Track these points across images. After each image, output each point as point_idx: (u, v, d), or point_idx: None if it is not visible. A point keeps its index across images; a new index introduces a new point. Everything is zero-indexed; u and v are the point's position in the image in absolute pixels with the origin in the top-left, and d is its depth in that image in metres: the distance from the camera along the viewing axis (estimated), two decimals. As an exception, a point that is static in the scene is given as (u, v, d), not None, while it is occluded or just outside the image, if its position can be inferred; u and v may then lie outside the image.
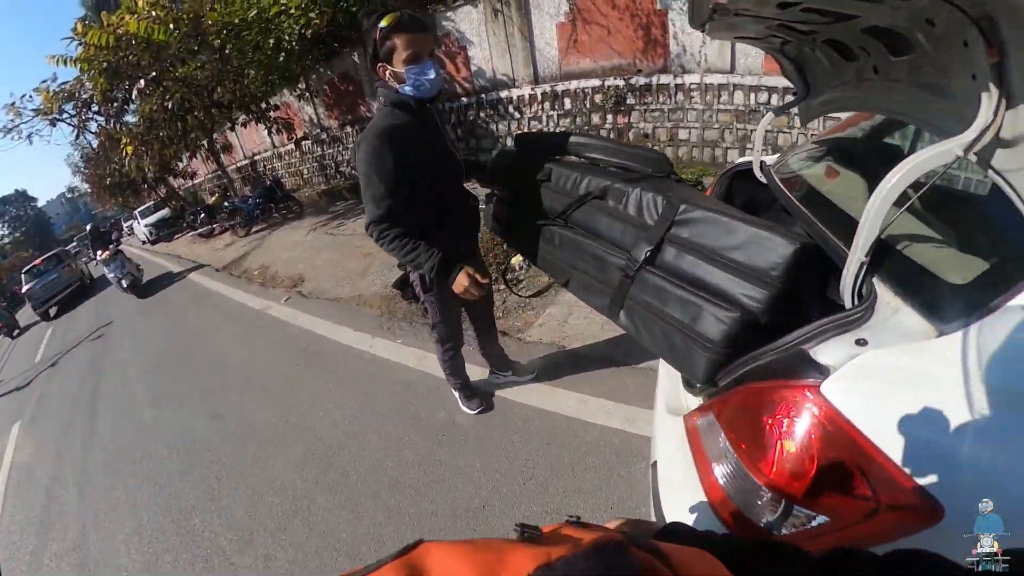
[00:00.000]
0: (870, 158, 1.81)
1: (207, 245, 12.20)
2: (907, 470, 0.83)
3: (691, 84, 5.32)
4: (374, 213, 1.79)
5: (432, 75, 1.72)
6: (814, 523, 0.93)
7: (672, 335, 1.33)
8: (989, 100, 0.83)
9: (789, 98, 5.15)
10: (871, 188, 1.52)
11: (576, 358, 2.94)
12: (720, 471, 1.10)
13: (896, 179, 0.92)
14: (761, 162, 1.95)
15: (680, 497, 1.23)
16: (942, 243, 1.12)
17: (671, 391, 1.60)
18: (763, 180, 1.91)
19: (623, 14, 5.37)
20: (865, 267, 1.01)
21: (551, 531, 0.51)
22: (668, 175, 1.64)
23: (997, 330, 0.86)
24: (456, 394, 2.75)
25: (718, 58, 5.19)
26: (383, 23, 1.65)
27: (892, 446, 0.85)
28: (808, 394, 0.92)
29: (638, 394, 2.51)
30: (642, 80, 5.40)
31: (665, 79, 5.35)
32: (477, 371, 2.88)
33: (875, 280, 1.04)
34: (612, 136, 5.83)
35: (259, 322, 5.32)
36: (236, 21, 8.01)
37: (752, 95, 5.24)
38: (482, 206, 2.23)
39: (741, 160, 2.09)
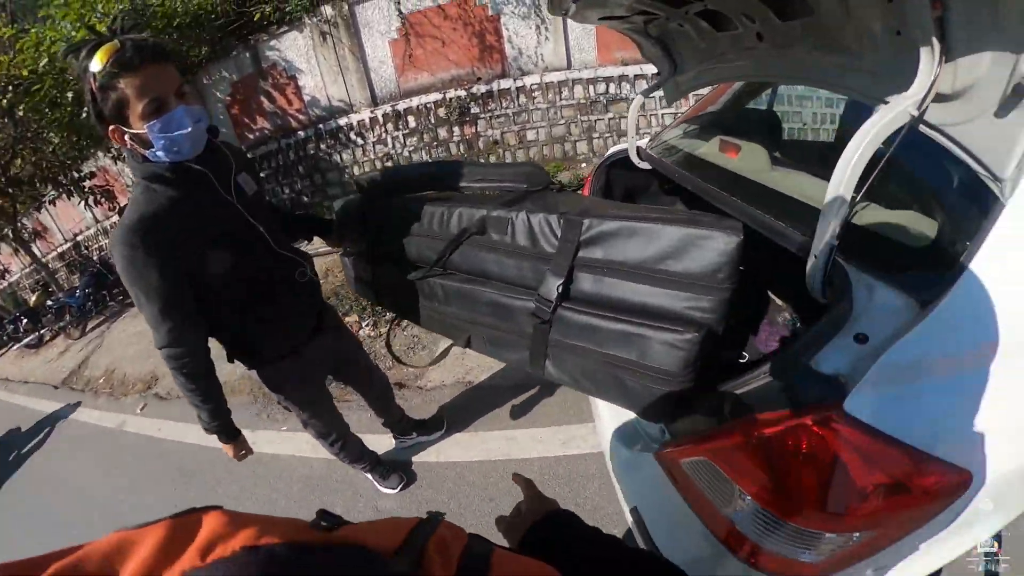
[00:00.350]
0: (755, 128, 1.82)
1: (38, 357, 9.75)
2: (937, 454, 0.80)
3: (532, 85, 5.39)
4: (156, 339, 1.33)
5: (188, 127, 1.18)
6: (853, 540, 0.84)
7: (621, 377, 1.10)
8: (930, 55, 0.75)
9: (627, 85, 5.49)
10: (775, 160, 1.51)
11: (488, 392, 2.68)
12: (732, 514, 0.93)
13: (859, 153, 0.81)
14: (637, 148, 1.89)
15: (683, 541, 1.09)
16: (887, 208, 1.06)
17: (620, 419, 1.43)
18: (641, 166, 1.87)
19: (456, 24, 5.28)
20: (835, 251, 0.90)
21: (373, 523, 0.47)
22: (547, 186, 1.43)
23: (975, 288, 0.83)
24: (368, 476, 2.33)
25: (554, 56, 5.32)
26: (94, 64, 1.09)
27: (917, 436, 0.80)
28: (831, 417, 0.78)
29: (564, 411, 2.34)
30: (483, 88, 5.36)
31: (506, 84, 5.38)
32: (385, 441, 2.50)
33: (840, 260, 0.94)
34: (462, 148, 5.71)
35: (118, 444, 4.28)
36: (24, 74, 6.27)
37: (591, 87, 5.46)
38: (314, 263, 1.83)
39: (614, 149, 2.02)
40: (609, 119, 5.66)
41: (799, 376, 0.84)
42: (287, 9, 5.45)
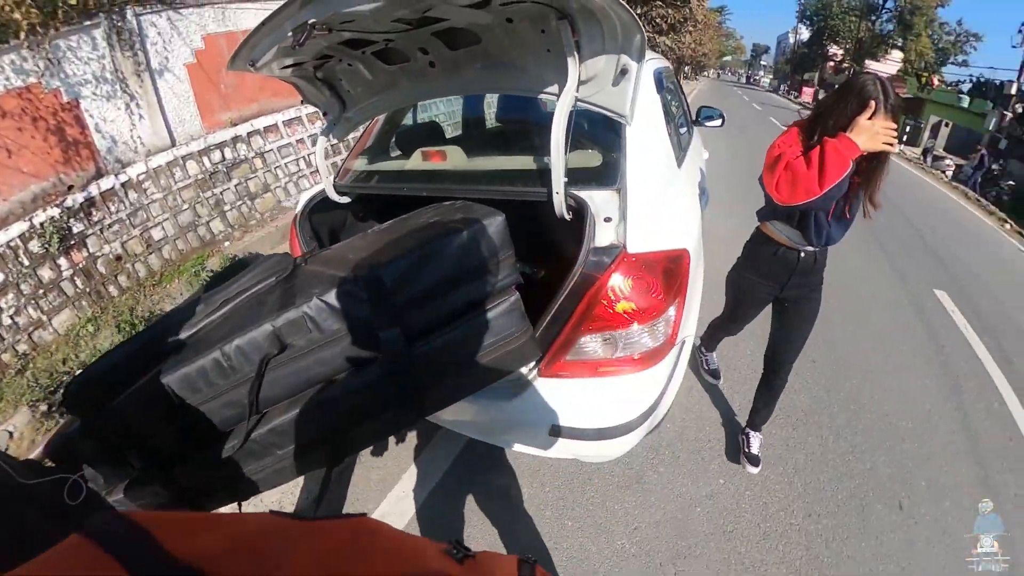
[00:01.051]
0: (432, 137, 2.26)
1: None
2: (672, 247, 1.48)
3: (139, 176, 4.60)
4: None
5: None
6: (671, 313, 1.45)
7: (490, 360, 1.26)
8: (575, 62, 1.30)
9: (243, 146, 5.33)
10: (470, 151, 1.98)
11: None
12: (620, 351, 1.43)
13: (559, 129, 1.35)
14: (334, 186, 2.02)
15: (598, 406, 1.49)
16: (572, 151, 1.63)
17: (483, 423, 1.65)
18: (342, 200, 2.01)
19: (22, 122, 3.94)
20: (567, 185, 1.44)
21: (486, 558, 0.53)
22: (295, 264, 1.43)
23: (634, 170, 1.54)
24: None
25: (155, 136, 4.68)
26: None
27: (663, 243, 1.47)
28: (626, 261, 1.38)
29: (394, 455, 2.33)
30: (80, 197, 4.25)
31: (107, 183, 4.38)
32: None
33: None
34: (79, 281, 4.34)
35: None
36: None
37: (205, 159, 5.06)
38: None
39: (306, 195, 2.07)
40: (236, 186, 5.32)
41: (596, 258, 1.37)
42: None
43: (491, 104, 3.24)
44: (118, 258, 4.65)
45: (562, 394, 1.47)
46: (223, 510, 1.33)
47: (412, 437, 2.36)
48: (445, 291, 1.22)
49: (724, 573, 1.86)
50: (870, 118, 1.37)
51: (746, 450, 2.27)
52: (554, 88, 1.42)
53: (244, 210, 5.46)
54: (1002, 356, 3.71)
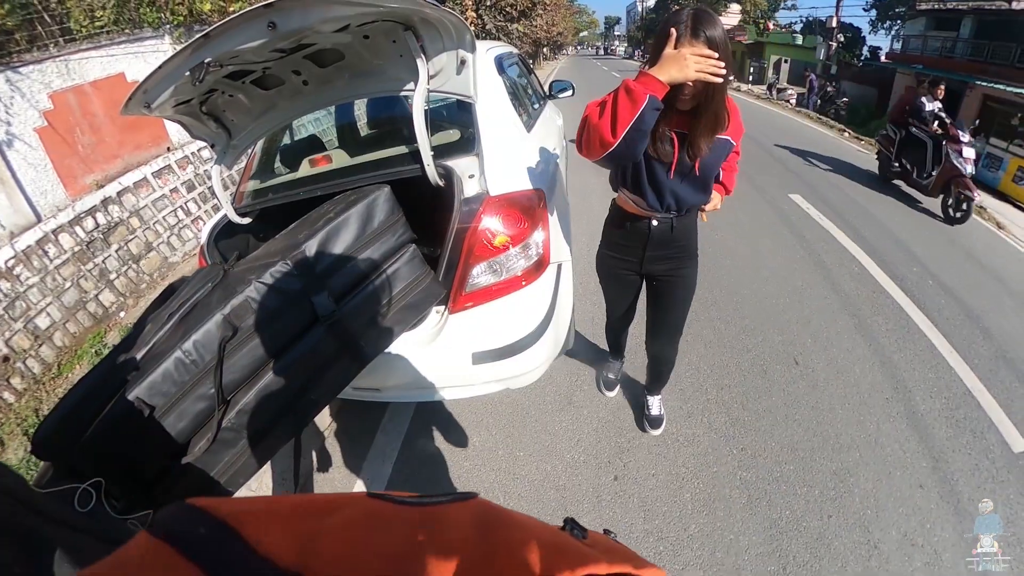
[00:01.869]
0: (313, 147, 2.53)
1: None
2: (531, 187, 1.82)
3: (7, 263, 4.19)
4: None
5: None
6: (539, 238, 1.76)
7: (407, 303, 1.55)
8: (423, 61, 1.60)
9: (116, 208, 5.06)
10: (351, 151, 2.27)
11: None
12: (506, 275, 1.73)
13: (419, 115, 1.64)
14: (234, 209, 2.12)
15: (508, 325, 1.76)
16: (435, 132, 1.95)
17: (418, 380, 1.81)
18: (244, 221, 2.13)
19: None
20: (433, 158, 1.74)
21: (592, 538, 0.51)
22: (223, 269, 1.57)
23: (487, 136, 1.87)
24: None
25: (15, 213, 4.32)
26: None
27: (521, 184, 1.82)
28: (493, 203, 1.71)
29: (353, 453, 2.39)
30: None
31: None
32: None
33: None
34: None
35: None
36: None
37: (77, 229, 4.72)
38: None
39: (211, 224, 2.18)
40: (117, 251, 4.98)
41: (468, 207, 1.69)
42: None
43: (360, 111, 3.53)
44: (5, 359, 4.25)
45: (472, 323, 1.73)
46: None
47: (359, 433, 2.46)
48: (356, 254, 1.48)
49: (664, 453, 2.20)
50: (676, 47, 1.23)
51: (647, 413, 2.30)
52: (411, 85, 1.70)
53: (132, 275, 5.12)
54: (853, 232, 4.59)
